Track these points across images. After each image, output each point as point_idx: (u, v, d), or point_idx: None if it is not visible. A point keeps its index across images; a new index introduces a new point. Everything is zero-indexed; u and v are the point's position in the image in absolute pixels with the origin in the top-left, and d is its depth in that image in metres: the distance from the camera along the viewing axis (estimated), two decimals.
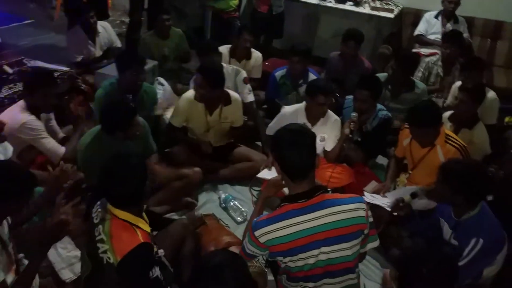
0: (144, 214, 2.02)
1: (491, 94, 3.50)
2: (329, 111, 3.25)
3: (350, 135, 3.10)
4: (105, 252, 1.85)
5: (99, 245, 1.87)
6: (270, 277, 2.35)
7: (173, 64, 4.42)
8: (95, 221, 1.95)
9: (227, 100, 3.26)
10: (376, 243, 1.97)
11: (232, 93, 3.33)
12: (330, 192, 1.91)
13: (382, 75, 3.77)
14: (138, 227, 1.89)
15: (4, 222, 1.90)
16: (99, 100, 3.15)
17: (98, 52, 4.21)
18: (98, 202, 2.01)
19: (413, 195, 2.60)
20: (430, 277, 1.59)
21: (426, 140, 2.78)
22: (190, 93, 3.26)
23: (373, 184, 3.11)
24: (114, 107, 2.60)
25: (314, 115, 3.20)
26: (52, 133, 3.02)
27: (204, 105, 3.22)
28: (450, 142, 2.76)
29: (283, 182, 1.94)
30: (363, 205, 1.87)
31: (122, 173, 1.85)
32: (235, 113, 3.32)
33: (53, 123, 3.13)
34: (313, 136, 1.88)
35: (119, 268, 1.80)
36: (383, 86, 3.62)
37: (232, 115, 3.31)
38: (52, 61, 4.08)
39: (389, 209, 2.66)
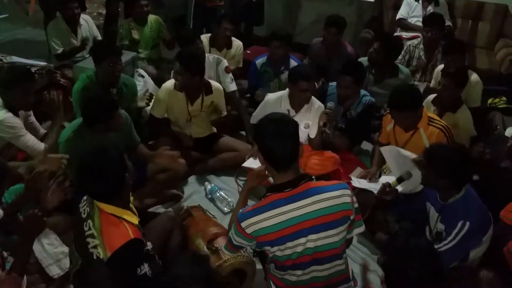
0: (132, 206, 2.00)
1: (474, 77, 3.51)
2: (313, 98, 3.23)
3: (323, 128, 3.08)
4: (95, 247, 1.83)
5: (89, 239, 1.85)
6: (259, 266, 2.35)
7: (152, 54, 4.36)
8: (83, 215, 1.93)
9: (208, 89, 3.22)
10: (362, 229, 1.98)
11: (214, 82, 3.30)
12: (315, 180, 1.90)
13: (364, 60, 3.77)
14: (126, 221, 1.87)
15: None
16: (77, 93, 3.10)
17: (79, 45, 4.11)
18: (85, 197, 1.99)
19: (399, 180, 2.61)
20: (415, 276, 1.60)
21: (408, 124, 2.78)
22: (170, 82, 3.22)
23: (358, 171, 3.12)
24: (95, 100, 2.56)
25: (298, 102, 3.18)
26: (33, 130, 2.95)
27: (185, 94, 3.17)
28: (433, 124, 2.77)
29: (267, 172, 1.92)
30: (348, 191, 1.87)
31: (98, 167, 1.82)
32: (216, 101, 3.27)
33: (33, 119, 3.05)
34: (295, 125, 1.87)
35: (108, 263, 1.79)
36: (366, 71, 3.62)
37: (213, 102, 3.26)
38: (29, 56, 3.98)
39: (376, 193, 2.66)
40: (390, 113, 2.85)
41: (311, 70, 3.29)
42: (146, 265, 1.85)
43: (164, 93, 3.21)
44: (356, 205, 1.90)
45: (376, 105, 3.44)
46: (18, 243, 1.93)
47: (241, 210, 1.89)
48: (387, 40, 3.82)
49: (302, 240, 1.81)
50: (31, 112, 3.03)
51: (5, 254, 2.07)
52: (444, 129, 2.75)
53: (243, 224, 1.82)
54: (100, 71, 3.13)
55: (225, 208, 2.99)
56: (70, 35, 4.06)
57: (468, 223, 2.18)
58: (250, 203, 2.04)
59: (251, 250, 2.31)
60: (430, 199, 2.42)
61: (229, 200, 3.02)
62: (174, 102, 3.21)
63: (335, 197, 1.82)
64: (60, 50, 4.01)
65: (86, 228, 1.89)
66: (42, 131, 3.08)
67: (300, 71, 3.15)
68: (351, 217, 1.88)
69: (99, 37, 4.32)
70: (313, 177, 1.91)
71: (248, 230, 1.82)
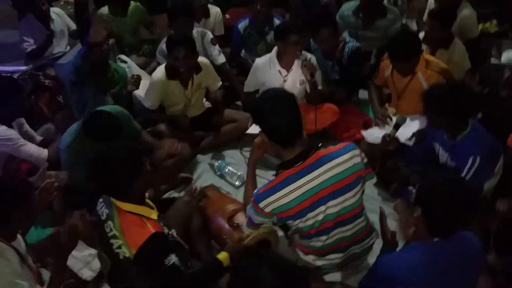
0: (149, 200, 2.02)
1: (466, 11, 3.44)
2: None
3: (313, 79, 3.04)
4: (119, 247, 1.87)
5: (112, 241, 1.89)
6: (280, 233, 2.39)
7: (132, 39, 4.22)
8: (102, 218, 1.96)
9: (197, 67, 3.13)
10: (374, 180, 2.03)
11: (200, 58, 3.18)
12: (322, 148, 1.89)
13: (351, 4, 3.67)
14: (145, 217, 1.89)
15: (19, 237, 1.90)
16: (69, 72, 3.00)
17: (56, 41, 3.97)
18: (101, 199, 2.01)
19: (396, 126, 2.62)
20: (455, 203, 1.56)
21: (408, 70, 2.76)
22: (160, 73, 3.09)
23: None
24: (99, 122, 2.48)
25: (288, 59, 3.11)
26: (29, 138, 2.91)
27: (179, 81, 3.09)
28: (431, 67, 2.75)
29: (266, 141, 1.88)
30: (357, 151, 1.88)
31: (110, 161, 1.85)
32: (208, 77, 3.21)
33: (27, 127, 3.01)
34: (292, 98, 1.85)
35: (136, 260, 1.83)
36: (354, 15, 3.54)
37: (205, 80, 3.20)
38: (4, 60, 3.86)
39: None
40: (391, 63, 2.80)
41: (297, 22, 3.22)
42: (173, 256, 1.88)
43: (157, 85, 3.10)
44: (365, 160, 1.92)
45: (361, 49, 3.38)
46: (55, 259, 1.95)
47: (256, 191, 1.89)
48: None
49: (322, 208, 1.84)
50: (24, 120, 2.98)
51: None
52: (443, 72, 2.73)
53: (261, 205, 1.84)
54: (82, 47, 3.02)
55: (236, 182, 3.00)
56: (44, 32, 3.91)
57: (478, 157, 2.20)
58: (263, 182, 2.03)
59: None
60: (438, 140, 2.44)
61: (239, 173, 3.03)
62: (169, 91, 3.13)
63: (346, 160, 1.84)
64: (29, 49, 3.87)
65: (107, 230, 1.92)
66: (38, 138, 3.04)
67: (287, 24, 3.13)
68: (363, 175, 1.90)
69: (74, 27, 4.17)
70: (320, 144, 1.91)
71: (267, 210, 1.84)
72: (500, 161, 2.33)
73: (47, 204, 2.12)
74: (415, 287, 1.56)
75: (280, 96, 1.83)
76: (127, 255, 1.84)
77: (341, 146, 1.90)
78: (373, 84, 3.17)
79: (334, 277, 2.23)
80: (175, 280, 1.85)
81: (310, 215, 1.84)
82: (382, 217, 1.93)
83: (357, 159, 1.85)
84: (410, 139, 2.68)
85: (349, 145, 1.91)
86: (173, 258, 1.88)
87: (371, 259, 2.19)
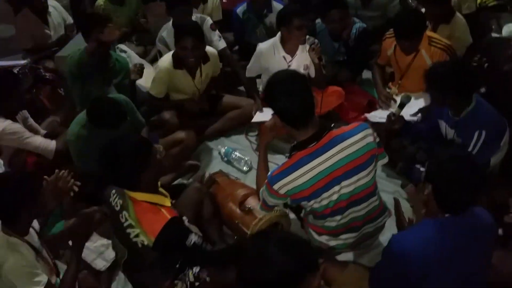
0: (162, 189, 2.03)
1: None
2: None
3: (321, 62, 3.02)
4: (137, 236, 1.87)
5: (129, 230, 1.90)
6: (292, 215, 2.42)
7: (126, 28, 4.18)
8: (116, 208, 1.96)
9: (205, 57, 3.09)
10: (385, 160, 2.03)
11: (208, 48, 3.14)
12: (335, 128, 1.90)
13: None
14: (159, 204, 1.90)
15: (31, 230, 1.92)
16: (73, 67, 2.98)
17: (54, 35, 3.94)
18: (113, 191, 2.01)
19: (401, 105, 2.63)
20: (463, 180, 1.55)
21: (412, 48, 2.76)
22: (167, 62, 3.05)
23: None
24: (103, 109, 2.47)
25: (292, 45, 3.07)
26: (33, 132, 2.89)
27: (186, 70, 3.06)
28: (434, 44, 2.75)
29: (279, 123, 1.88)
30: (370, 131, 1.89)
31: (120, 152, 1.83)
32: (214, 66, 3.20)
33: (31, 121, 3.00)
34: (304, 79, 1.86)
35: (155, 247, 1.84)
36: None
37: (212, 69, 3.19)
38: (2, 55, 3.83)
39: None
40: (396, 41, 2.79)
41: (299, 6, 3.18)
42: (192, 235, 1.92)
43: (164, 73, 3.06)
44: (377, 139, 1.93)
45: (368, 30, 3.38)
46: (71, 248, 1.99)
47: (270, 173, 1.91)
48: None
49: (336, 188, 1.86)
50: (28, 115, 2.98)
51: None
52: (446, 49, 2.72)
53: (276, 187, 1.86)
54: (90, 44, 2.97)
55: (244, 168, 3.01)
56: (41, 26, 3.88)
57: (484, 132, 2.22)
58: (275, 164, 2.05)
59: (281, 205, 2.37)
60: (443, 117, 2.45)
61: (246, 158, 3.04)
62: (176, 80, 3.10)
63: (359, 140, 1.85)
64: (29, 45, 3.85)
65: (123, 220, 1.93)
66: (42, 131, 3.04)
67: (291, 8, 3.05)
68: (376, 154, 1.91)
69: (71, 21, 4.13)
70: (333, 124, 1.92)
71: (281, 191, 1.86)
72: (506, 135, 2.35)
73: (66, 194, 2.11)
74: (428, 264, 1.57)
75: (292, 77, 1.84)
76: (146, 243, 1.85)
77: (354, 125, 1.91)
78: (376, 64, 3.16)
79: (347, 256, 2.28)
80: (200, 257, 1.91)
81: (324, 195, 1.86)
82: (399, 207, 1.94)
83: (370, 138, 1.87)
84: (415, 115, 2.70)
85: (362, 124, 1.92)
86: (193, 238, 1.91)
87: (382, 237, 2.23)
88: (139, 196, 1.90)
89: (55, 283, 1.92)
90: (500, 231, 2.14)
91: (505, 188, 2.38)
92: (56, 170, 2.13)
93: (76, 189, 2.11)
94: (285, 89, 1.78)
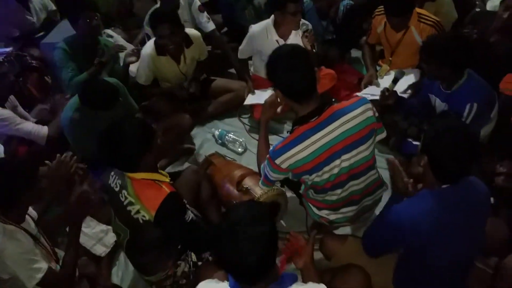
0: (161, 171, 2.02)
1: None
2: None
3: (314, 50, 2.99)
4: (137, 212, 1.86)
5: (129, 208, 1.88)
6: (289, 193, 2.45)
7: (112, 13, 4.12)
8: (116, 189, 1.95)
9: (188, 41, 3.05)
10: (384, 134, 2.05)
11: (189, 30, 3.10)
12: (336, 102, 1.93)
13: None
14: (158, 180, 1.89)
15: (28, 217, 1.90)
16: (65, 56, 2.95)
17: (36, 21, 3.86)
18: (112, 172, 2.00)
19: (395, 80, 2.66)
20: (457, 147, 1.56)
21: (402, 25, 2.78)
22: (150, 48, 3.00)
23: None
24: (97, 90, 2.45)
25: (286, 29, 3.03)
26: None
27: (170, 56, 3.01)
28: (423, 20, 2.78)
29: (281, 97, 1.90)
30: (369, 105, 1.92)
31: (122, 135, 1.81)
32: (199, 49, 3.16)
33: (20, 109, 2.96)
34: (305, 53, 1.87)
35: (156, 221, 1.83)
36: None
37: (197, 52, 3.16)
38: None
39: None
40: (386, 18, 2.82)
41: None
42: (189, 212, 1.92)
43: (148, 61, 3.01)
44: (376, 114, 1.95)
45: (355, 7, 3.38)
46: (69, 231, 1.97)
47: (272, 148, 1.93)
48: None
49: (337, 162, 1.89)
50: (17, 103, 2.93)
51: None
52: (435, 25, 2.76)
53: (278, 161, 1.88)
54: (79, 30, 2.94)
55: (239, 149, 3.03)
56: (24, 13, 3.79)
57: (475, 104, 2.26)
58: (274, 138, 2.07)
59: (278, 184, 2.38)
60: (433, 91, 2.49)
61: (240, 140, 3.05)
62: (161, 67, 3.05)
63: (359, 114, 1.88)
64: (17, 33, 3.76)
65: (122, 199, 1.91)
66: (32, 119, 2.99)
67: None
68: (376, 128, 1.95)
69: (53, 7, 4.04)
70: (334, 99, 1.94)
71: (284, 165, 1.88)
72: (495, 107, 2.41)
73: (69, 178, 2.08)
74: (428, 235, 1.59)
75: (294, 51, 1.84)
76: (147, 217, 1.84)
77: (354, 100, 1.93)
78: (366, 44, 3.17)
79: (345, 230, 2.33)
80: (198, 234, 1.91)
81: (326, 168, 1.89)
82: (394, 166, 1.93)
83: (370, 113, 1.90)
84: (405, 91, 2.74)
85: (362, 99, 1.95)
86: (191, 215, 1.92)
87: (379, 211, 2.27)
88: (139, 175, 1.88)
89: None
90: (491, 200, 2.20)
91: (493, 157, 2.44)
92: (58, 155, 2.11)
93: (81, 172, 2.09)
94: (287, 64, 1.79)
